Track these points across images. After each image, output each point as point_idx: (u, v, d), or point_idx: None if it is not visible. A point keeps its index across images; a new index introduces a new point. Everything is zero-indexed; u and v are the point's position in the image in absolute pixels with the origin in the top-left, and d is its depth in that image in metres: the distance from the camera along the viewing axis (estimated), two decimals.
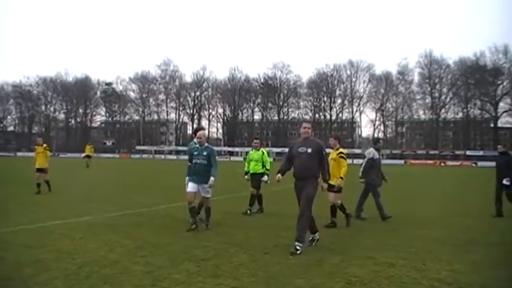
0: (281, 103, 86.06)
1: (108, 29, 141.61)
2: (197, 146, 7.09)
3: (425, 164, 62.96)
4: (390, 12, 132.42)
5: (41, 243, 5.69)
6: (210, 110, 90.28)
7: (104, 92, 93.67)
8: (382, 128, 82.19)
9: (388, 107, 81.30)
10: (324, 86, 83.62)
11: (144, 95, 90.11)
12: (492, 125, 74.80)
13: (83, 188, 14.04)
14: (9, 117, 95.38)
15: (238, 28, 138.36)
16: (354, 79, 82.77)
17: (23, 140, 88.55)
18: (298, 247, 5.35)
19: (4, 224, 7.03)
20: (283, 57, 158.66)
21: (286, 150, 6.47)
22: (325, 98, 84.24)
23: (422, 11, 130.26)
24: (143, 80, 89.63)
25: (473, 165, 59.95)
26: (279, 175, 5.80)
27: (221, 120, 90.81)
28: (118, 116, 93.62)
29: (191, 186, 6.93)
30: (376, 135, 77.76)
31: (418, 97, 79.59)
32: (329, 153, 7.10)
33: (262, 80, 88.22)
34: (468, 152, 68.05)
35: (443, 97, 77.54)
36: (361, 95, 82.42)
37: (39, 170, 12.25)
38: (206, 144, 7.15)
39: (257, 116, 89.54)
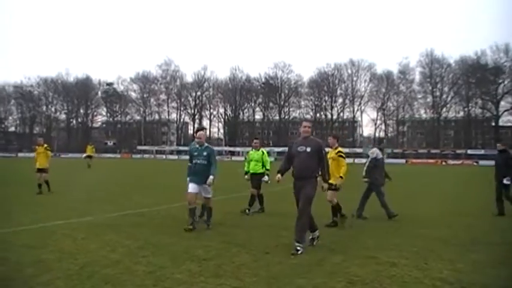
0: (282, 103, 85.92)
1: (109, 29, 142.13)
2: (197, 146, 7.09)
3: (427, 163, 62.80)
4: (391, 12, 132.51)
5: (43, 243, 5.70)
6: (211, 110, 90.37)
7: (105, 92, 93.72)
8: (383, 127, 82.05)
9: (389, 106, 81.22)
10: (325, 85, 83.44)
11: (145, 95, 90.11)
12: (493, 124, 74.54)
13: (85, 189, 14.06)
14: (10, 117, 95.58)
15: (239, 28, 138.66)
16: (355, 78, 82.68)
17: (24, 141, 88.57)
18: (298, 248, 5.35)
19: (6, 224, 7.05)
20: (284, 57, 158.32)
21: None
22: (326, 98, 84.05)
23: (423, 10, 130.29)
24: (144, 80, 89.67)
25: (475, 164, 59.76)
26: (279, 175, 5.78)
27: (222, 120, 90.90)
28: (119, 116, 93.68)
29: (192, 187, 6.91)
30: (377, 135, 77.80)
31: (419, 96, 79.53)
32: (328, 152, 7.06)
33: (263, 80, 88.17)
34: (469, 151, 67.80)
35: (444, 96, 77.40)
36: (362, 94, 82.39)
37: (39, 170, 12.27)
38: (206, 144, 7.15)
39: (258, 116, 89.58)
